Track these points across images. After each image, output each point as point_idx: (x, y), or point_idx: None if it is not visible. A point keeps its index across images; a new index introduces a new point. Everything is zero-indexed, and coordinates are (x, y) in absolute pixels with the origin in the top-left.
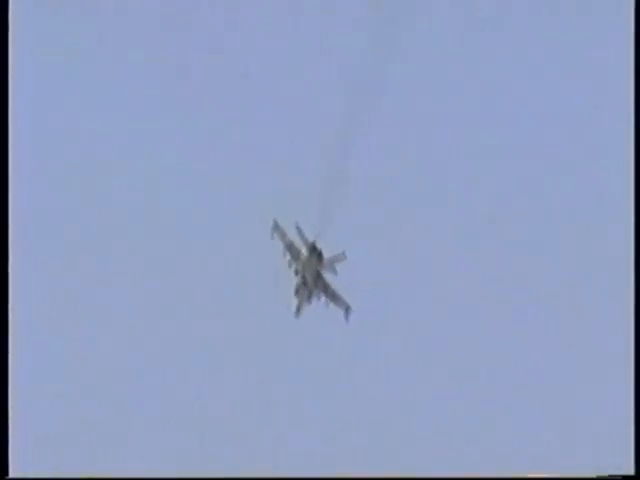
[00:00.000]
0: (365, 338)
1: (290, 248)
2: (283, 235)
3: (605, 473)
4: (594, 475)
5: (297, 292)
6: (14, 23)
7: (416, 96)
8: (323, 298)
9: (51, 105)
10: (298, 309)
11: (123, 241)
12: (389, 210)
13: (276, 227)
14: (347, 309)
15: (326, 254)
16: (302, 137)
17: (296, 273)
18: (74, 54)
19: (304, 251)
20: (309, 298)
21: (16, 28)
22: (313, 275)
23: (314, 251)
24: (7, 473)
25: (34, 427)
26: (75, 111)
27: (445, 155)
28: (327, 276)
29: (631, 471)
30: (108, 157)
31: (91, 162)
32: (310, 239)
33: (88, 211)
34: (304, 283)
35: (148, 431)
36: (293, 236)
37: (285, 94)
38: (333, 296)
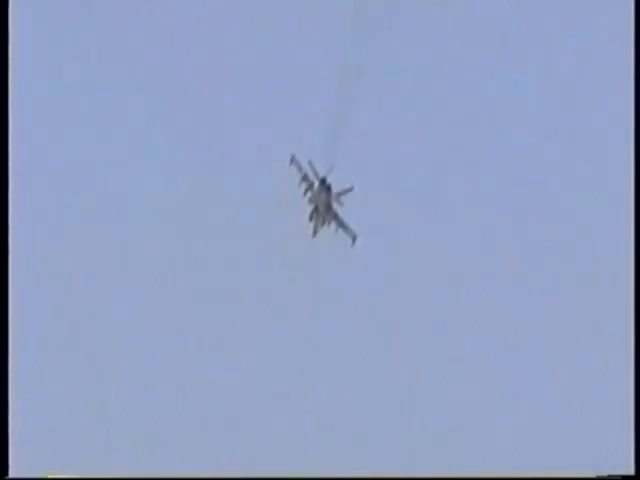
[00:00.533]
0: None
1: (305, 179)
2: (299, 168)
3: (605, 473)
4: (594, 475)
5: (311, 218)
6: (14, 23)
7: (414, 100)
8: (333, 225)
9: (51, 105)
10: (315, 231)
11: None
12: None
13: (293, 160)
14: (354, 237)
15: (335, 188)
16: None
17: (309, 202)
18: (74, 54)
19: (316, 183)
20: (322, 224)
21: (16, 28)
22: (323, 205)
23: (323, 184)
24: (7, 473)
25: (34, 427)
26: (75, 111)
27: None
28: (336, 206)
29: (631, 471)
30: (107, 157)
31: (91, 162)
32: (321, 174)
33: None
34: (316, 210)
35: (148, 431)
36: (307, 169)
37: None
38: (341, 224)
